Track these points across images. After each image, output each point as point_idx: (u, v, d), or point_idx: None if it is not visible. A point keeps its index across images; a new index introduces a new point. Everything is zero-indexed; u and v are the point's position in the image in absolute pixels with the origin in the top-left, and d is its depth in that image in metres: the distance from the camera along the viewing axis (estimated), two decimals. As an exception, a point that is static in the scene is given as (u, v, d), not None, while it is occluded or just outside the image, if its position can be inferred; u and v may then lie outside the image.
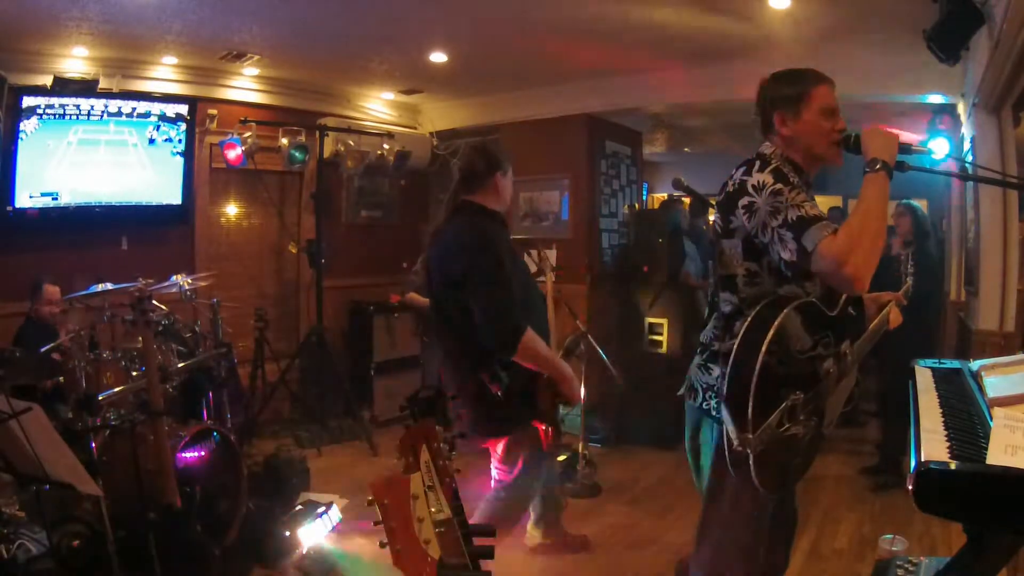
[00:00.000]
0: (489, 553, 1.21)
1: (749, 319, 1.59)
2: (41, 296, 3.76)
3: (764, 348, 1.51)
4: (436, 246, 2.55)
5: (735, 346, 1.56)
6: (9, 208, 4.12)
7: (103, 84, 4.43)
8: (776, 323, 1.54)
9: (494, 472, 2.65)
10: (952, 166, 4.22)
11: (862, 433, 4.91)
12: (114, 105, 4.43)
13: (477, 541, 1.21)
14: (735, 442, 1.51)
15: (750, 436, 1.48)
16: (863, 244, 1.55)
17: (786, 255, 1.62)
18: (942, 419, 1.37)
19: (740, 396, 1.51)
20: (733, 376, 1.54)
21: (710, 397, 1.83)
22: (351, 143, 5.53)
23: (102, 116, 4.39)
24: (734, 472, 1.56)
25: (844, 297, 1.79)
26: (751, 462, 1.50)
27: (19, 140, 4.08)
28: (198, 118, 4.89)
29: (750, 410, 1.49)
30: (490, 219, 2.52)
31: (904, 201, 4.15)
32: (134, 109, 4.53)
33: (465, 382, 2.48)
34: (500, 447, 2.58)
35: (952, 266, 4.95)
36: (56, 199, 4.30)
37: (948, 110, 4.64)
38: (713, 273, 1.89)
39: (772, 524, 1.87)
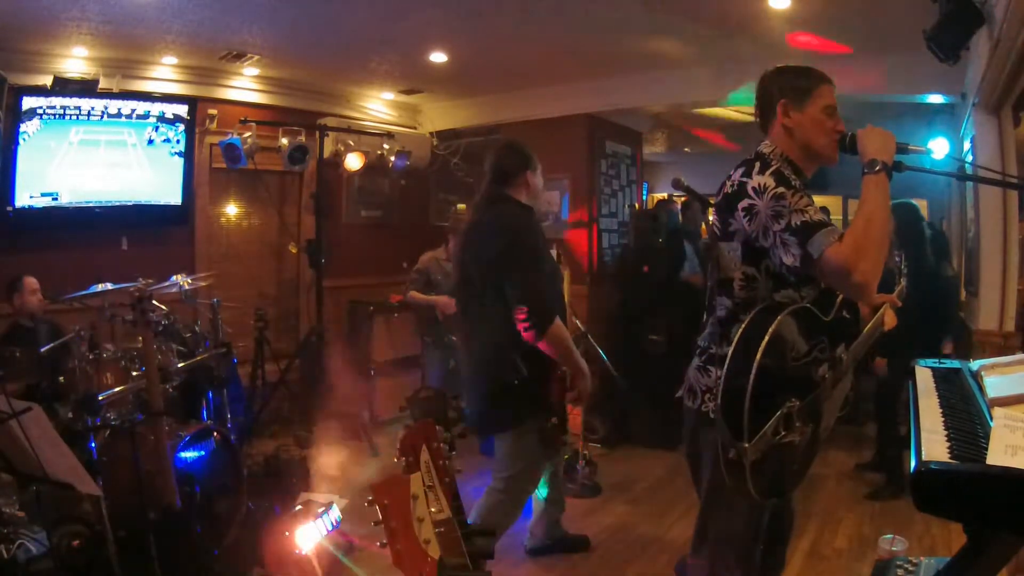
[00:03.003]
0: (489, 553, 1.21)
1: (744, 325, 1.57)
2: (23, 288, 3.76)
3: (759, 355, 1.48)
4: (473, 232, 2.62)
5: (730, 353, 1.54)
6: (9, 208, 4.12)
7: (103, 84, 4.43)
8: (771, 329, 1.52)
9: (494, 466, 2.67)
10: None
11: (861, 432, 4.91)
12: (114, 105, 4.43)
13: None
14: (730, 451, 1.49)
15: (745, 445, 1.46)
16: (870, 250, 1.53)
17: (788, 260, 1.60)
18: (942, 419, 1.36)
19: (735, 404, 1.48)
20: (728, 384, 1.51)
21: (709, 400, 1.82)
22: (351, 143, 5.54)
23: (102, 116, 4.39)
24: (730, 479, 1.55)
25: (839, 301, 1.78)
26: (747, 471, 1.48)
27: (19, 140, 4.08)
28: (198, 118, 4.89)
29: (745, 419, 1.46)
30: (526, 211, 2.62)
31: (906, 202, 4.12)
32: (133, 110, 4.53)
33: (482, 369, 2.53)
34: (504, 440, 2.60)
35: (954, 265, 4.95)
36: (56, 199, 4.30)
37: (948, 110, 4.64)
38: (710, 276, 1.87)
39: (770, 525, 1.86)
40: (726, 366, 1.53)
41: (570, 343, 2.55)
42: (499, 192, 2.61)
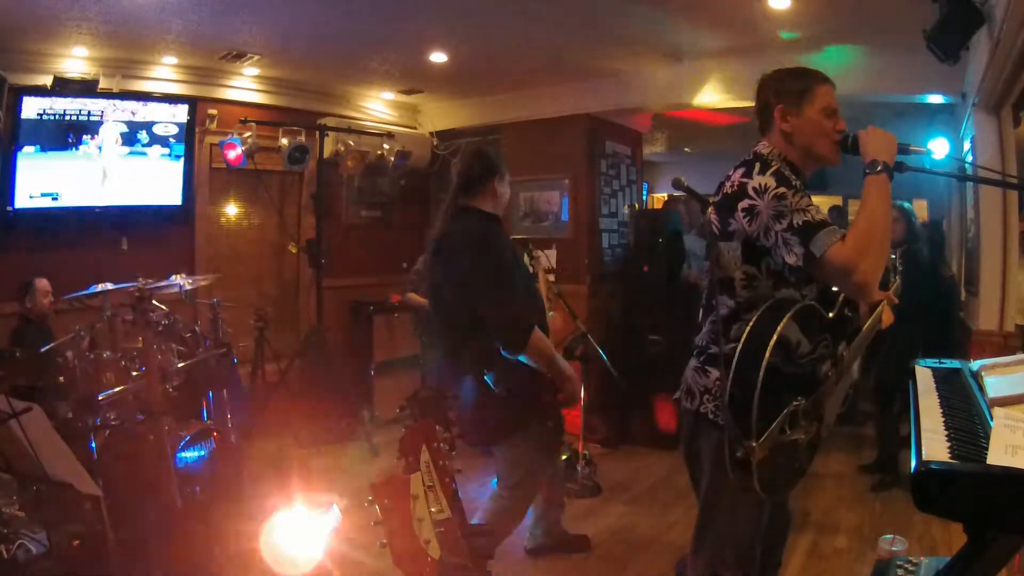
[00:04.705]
0: (489, 553, 1.22)
1: (751, 324, 1.57)
2: (35, 291, 3.79)
3: (767, 354, 1.49)
4: (439, 249, 2.56)
5: (737, 351, 1.54)
6: (9, 208, 4.12)
7: (103, 84, 4.43)
8: (779, 328, 1.53)
9: (497, 473, 2.66)
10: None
11: (861, 432, 4.91)
12: (114, 105, 4.43)
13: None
14: (738, 449, 1.49)
15: (754, 444, 1.47)
16: (872, 251, 1.54)
17: (791, 259, 1.61)
18: (942, 419, 1.36)
19: (743, 402, 1.49)
20: (736, 382, 1.52)
21: (707, 400, 1.81)
22: (351, 143, 5.53)
23: (102, 116, 4.39)
24: (734, 477, 1.55)
25: (841, 299, 1.79)
26: (753, 468, 1.49)
27: (19, 140, 4.08)
28: (198, 118, 4.89)
29: (754, 417, 1.47)
30: (490, 221, 2.56)
31: (896, 204, 4.13)
32: (134, 109, 4.53)
33: (468, 385, 2.49)
34: (503, 449, 2.59)
35: (952, 266, 4.95)
36: (56, 199, 4.30)
37: (948, 110, 4.64)
38: (709, 275, 1.87)
39: (768, 525, 1.86)
40: (734, 363, 1.53)
41: (551, 351, 2.48)
42: (463, 203, 2.56)
